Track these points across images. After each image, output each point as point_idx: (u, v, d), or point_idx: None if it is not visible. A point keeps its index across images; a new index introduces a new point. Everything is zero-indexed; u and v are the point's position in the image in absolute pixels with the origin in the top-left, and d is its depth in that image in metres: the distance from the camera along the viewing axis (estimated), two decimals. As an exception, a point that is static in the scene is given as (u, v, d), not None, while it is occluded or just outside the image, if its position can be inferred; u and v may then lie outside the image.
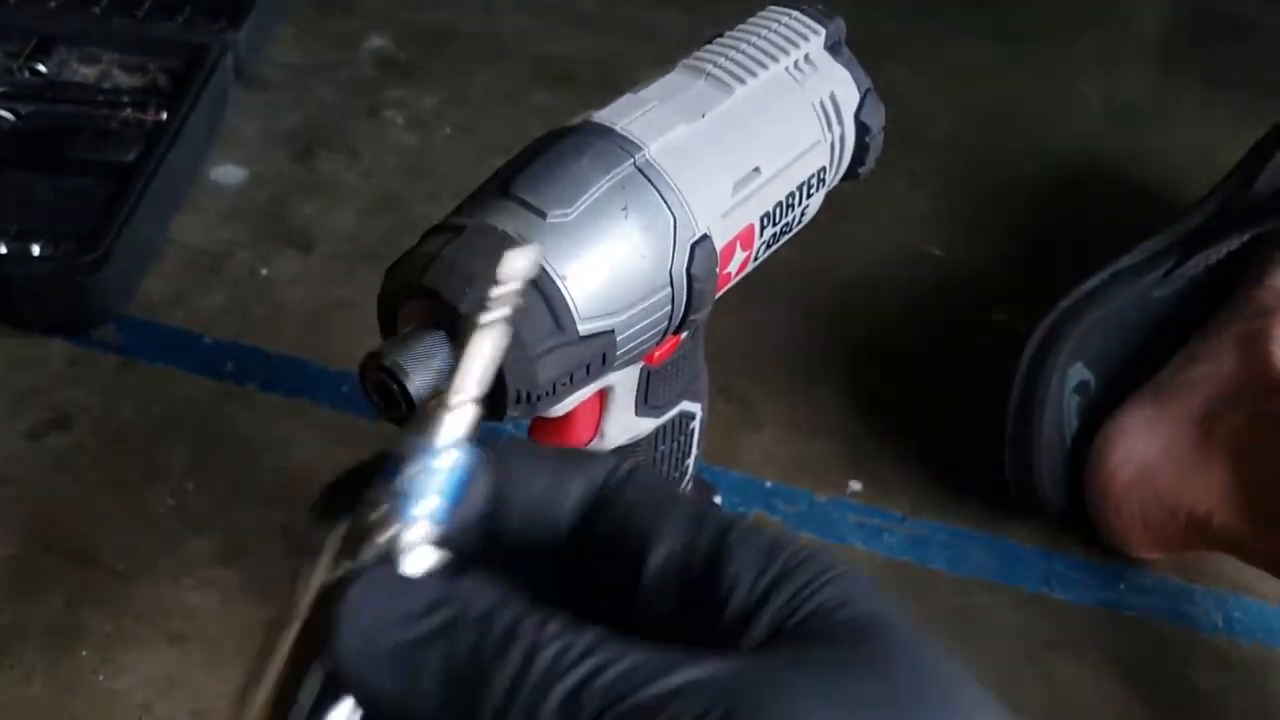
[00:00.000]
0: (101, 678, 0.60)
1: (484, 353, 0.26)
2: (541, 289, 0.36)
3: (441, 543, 0.25)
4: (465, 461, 0.25)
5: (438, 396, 0.26)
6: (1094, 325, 0.71)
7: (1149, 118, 1.07)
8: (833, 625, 0.24)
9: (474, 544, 0.26)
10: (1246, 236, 0.72)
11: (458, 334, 0.36)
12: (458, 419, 0.25)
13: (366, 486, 0.25)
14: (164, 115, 0.86)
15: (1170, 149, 1.01)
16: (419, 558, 0.25)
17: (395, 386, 0.35)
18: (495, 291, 0.26)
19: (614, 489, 0.27)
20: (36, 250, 0.76)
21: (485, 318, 0.26)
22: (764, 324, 0.83)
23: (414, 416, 0.26)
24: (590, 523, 0.27)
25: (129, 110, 0.86)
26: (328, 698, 0.24)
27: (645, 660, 0.22)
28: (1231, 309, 0.71)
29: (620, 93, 0.43)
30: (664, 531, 0.25)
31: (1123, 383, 0.71)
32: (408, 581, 0.24)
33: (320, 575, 0.25)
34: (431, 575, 0.24)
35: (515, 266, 0.27)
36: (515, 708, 0.22)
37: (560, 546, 0.27)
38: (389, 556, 0.24)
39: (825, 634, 0.24)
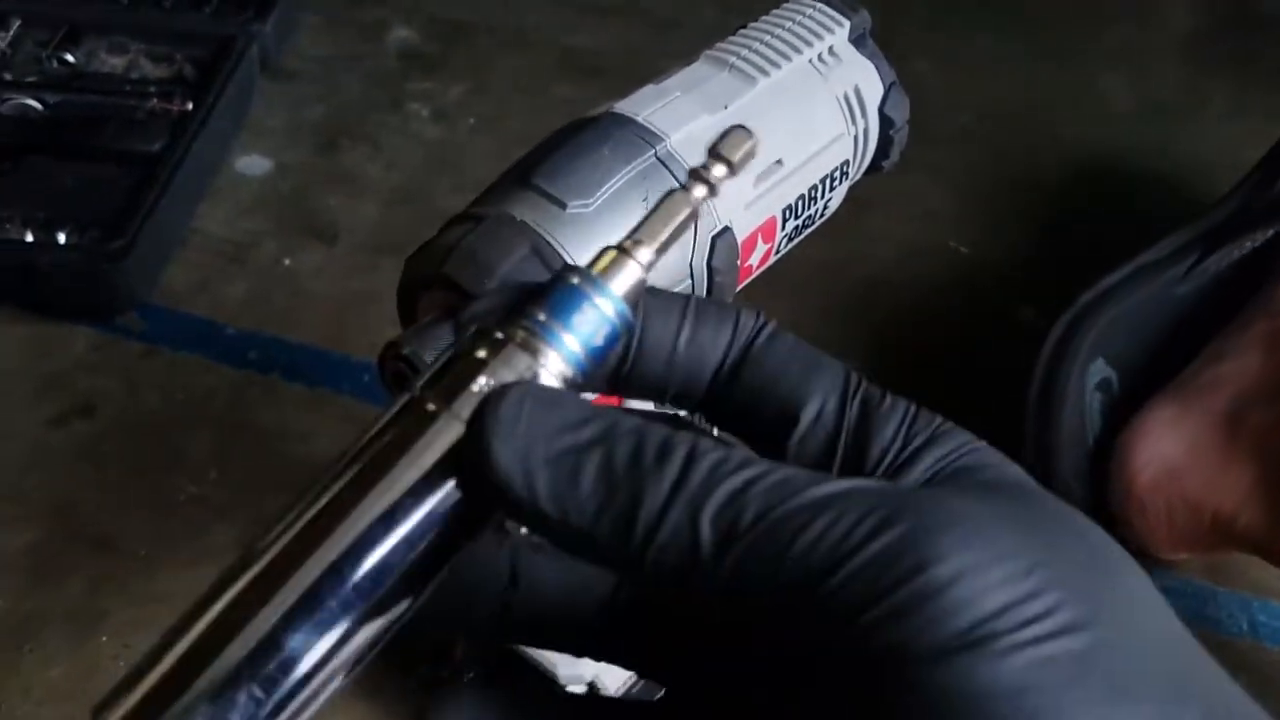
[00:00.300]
0: (122, 663, 0.60)
1: (674, 217, 0.25)
2: (561, 280, 0.36)
3: (571, 387, 0.25)
4: (621, 317, 0.25)
5: (624, 241, 0.25)
6: (1114, 321, 0.70)
7: (1177, 114, 1.05)
8: (983, 480, 0.24)
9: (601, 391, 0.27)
10: (1270, 232, 0.72)
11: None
12: (632, 270, 0.25)
13: (524, 300, 0.25)
14: (190, 105, 0.86)
15: (1199, 146, 0.99)
16: (546, 382, 0.24)
17: (414, 376, 0.35)
18: (713, 171, 0.26)
19: (760, 348, 0.27)
20: (63, 238, 0.76)
21: (695, 186, 0.26)
22: (786, 319, 0.81)
23: (603, 253, 0.25)
24: (732, 381, 0.26)
25: (155, 100, 0.87)
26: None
27: (803, 473, 0.22)
28: (1256, 306, 0.70)
29: (645, 84, 0.43)
30: (814, 392, 0.26)
31: (1146, 381, 0.71)
32: (564, 394, 0.24)
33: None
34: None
35: (736, 146, 0.26)
36: (676, 508, 0.22)
37: (696, 403, 0.27)
38: (521, 375, 0.24)
39: (978, 484, 0.24)
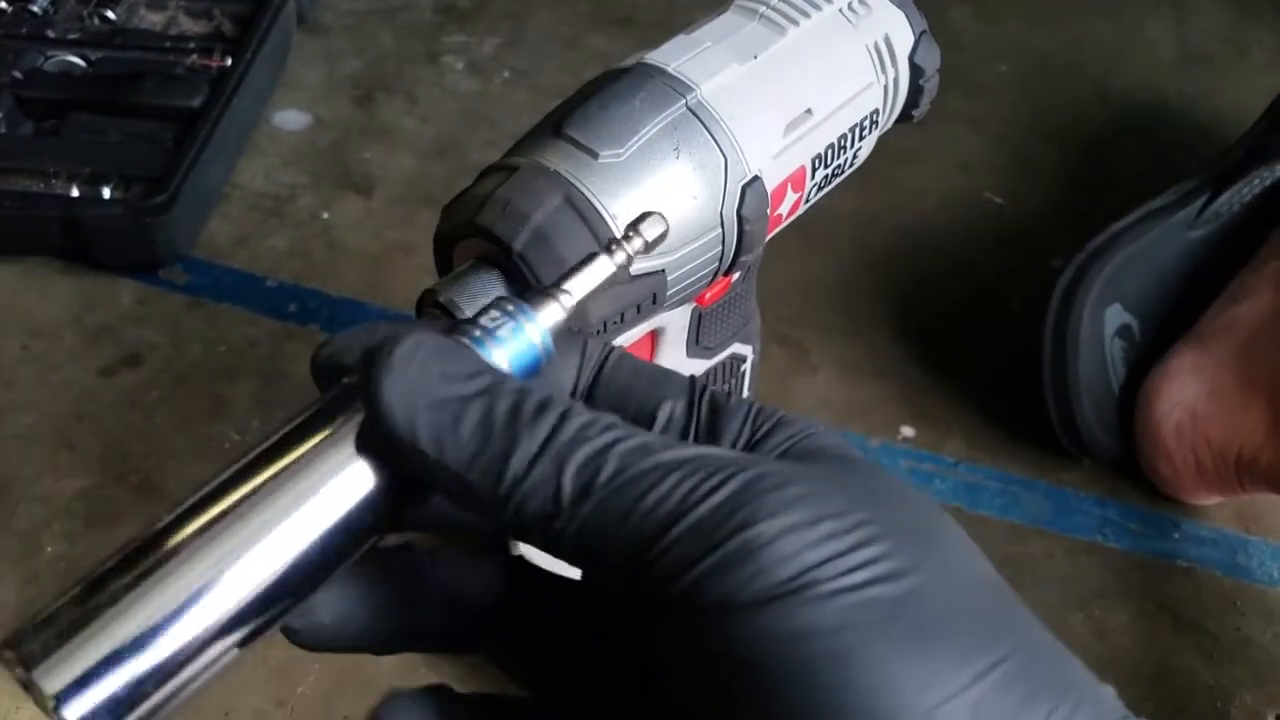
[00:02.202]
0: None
1: (597, 276, 0.28)
2: (592, 228, 0.37)
3: None
4: (545, 347, 0.27)
5: (555, 284, 0.28)
6: (1126, 263, 0.70)
7: (1221, 63, 1.04)
8: (821, 453, 0.26)
9: None
10: (1279, 171, 0.72)
11: (510, 271, 0.37)
12: (556, 311, 0.27)
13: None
14: (229, 61, 0.87)
15: (1243, 95, 0.98)
16: None
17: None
18: (632, 244, 0.29)
19: (610, 369, 0.29)
20: (107, 193, 0.78)
21: (616, 252, 0.29)
22: (821, 269, 0.83)
23: (530, 290, 0.28)
24: (588, 403, 0.28)
25: (195, 56, 0.88)
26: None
27: (660, 439, 0.24)
28: (1270, 246, 0.70)
29: (676, 35, 0.43)
30: (666, 398, 0.28)
31: (1168, 328, 0.71)
32: (454, 345, 0.26)
33: None
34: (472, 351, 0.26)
35: (654, 227, 0.30)
36: (543, 459, 0.24)
37: None
38: None
39: (816, 456, 0.26)
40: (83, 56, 0.88)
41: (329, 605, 0.27)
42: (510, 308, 0.27)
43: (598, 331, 0.38)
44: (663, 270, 0.39)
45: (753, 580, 0.22)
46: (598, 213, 0.37)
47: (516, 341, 0.27)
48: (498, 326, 0.26)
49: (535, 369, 0.27)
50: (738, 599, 0.22)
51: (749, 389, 0.55)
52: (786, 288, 0.80)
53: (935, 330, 0.79)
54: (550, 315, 0.27)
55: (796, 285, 0.81)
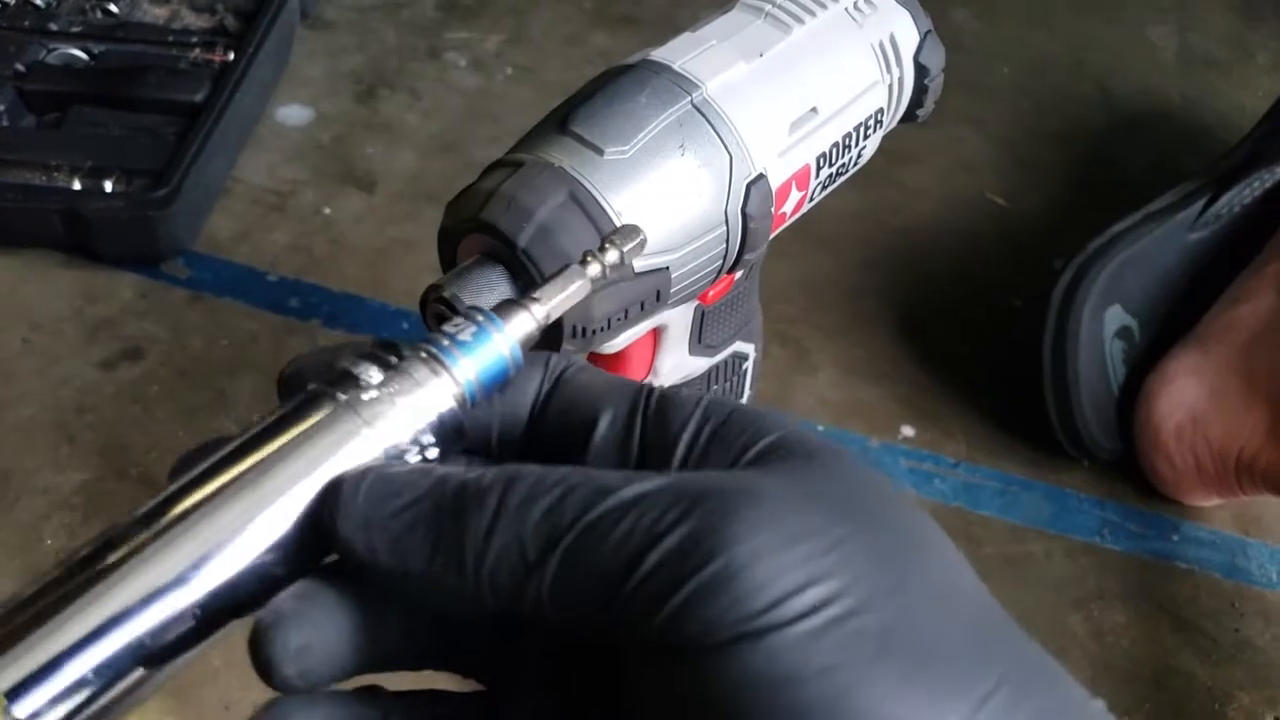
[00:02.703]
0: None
1: (569, 286, 0.28)
2: (597, 224, 0.37)
3: (461, 408, 0.27)
4: (514, 357, 0.27)
5: (524, 297, 0.28)
6: (1125, 265, 0.71)
7: (1224, 66, 1.04)
8: (789, 455, 0.25)
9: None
10: (1279, 173, 0.72)
11: (515, 266, 0.37)
12: (526, 322, 0.27)
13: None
14: (231, 55, 0.87)
15: (1244, 98, 0.98)
16: (439, 395, 0.26)
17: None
18: (607, 256, 0.29)
19: (567, 379, 0.28)
20: (109, 186, 0.78)
21: (590, 264, 0.29)
22: (822, 269, 0.83)
23: (507, 301, 0.28)
24: (544, 413, 0.28)
25: (197, 51, 0.88)
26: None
27: (617, 475, 0.24)
28: (1270, 248, 0.70)
29: (681, 33, 0.43)
30: (609, 404, 0.27)
31: (1168, 330, 0.71)
32: (400, 467, 0.26)
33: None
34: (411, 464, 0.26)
35: (629, 239, 0.30)
36: (499, 530, 0.23)
37: (517, 440, 0.29)
38: (419, 383, 0.26)
39: (784, 459, 0.25)
40: (85, 50, 0.88)
41: (311, 639, 0.26)
42: (480, 318, 0.27)
43: (602, 329, 0.38)
44: (667, 267, 0.39)
45: (729, 611, 0.21)
46: (602, 209, 0.37)
47: (485, 352, 0.27)
48: (465, 337, 0.27)
49: (503, 379, 0.27)
50: (716, 635, 0.21)
51: (750, 388, 0.55)
52: (787, 287, 0.80)
53: (936, 330, 0.79)
54: (520, 326, 0.27)
55: (797, 285, 0.81)
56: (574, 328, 0.38)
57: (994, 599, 0.24)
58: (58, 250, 0.79)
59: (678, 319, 0.46)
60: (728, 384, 0.53)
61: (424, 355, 0.26)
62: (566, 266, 0.29)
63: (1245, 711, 0.62)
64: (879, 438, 0.72)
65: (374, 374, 0.26)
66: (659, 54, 0.41)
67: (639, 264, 0.38)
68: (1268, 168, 0.73)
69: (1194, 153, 0.93)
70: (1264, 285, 0.68)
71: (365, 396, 0.26)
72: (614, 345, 0.44)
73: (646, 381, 0.29)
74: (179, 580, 0.24)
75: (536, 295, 0.28)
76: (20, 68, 0.85)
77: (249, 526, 0.24)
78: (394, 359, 0.26)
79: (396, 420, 0.26)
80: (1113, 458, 0.70)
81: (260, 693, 0.25)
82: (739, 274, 0.45)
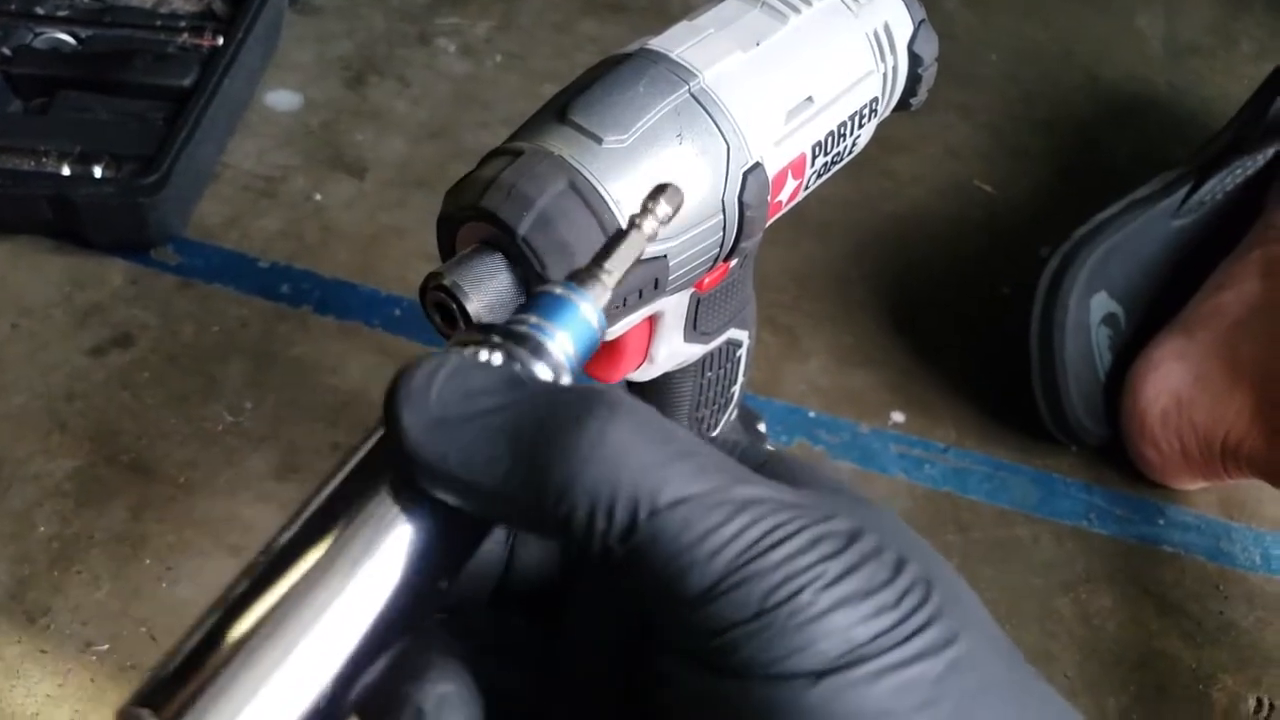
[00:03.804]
0: (165, 585, 0.62)
1: (634, 250, 0.27)
2: (596, 213, 0.37)
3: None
4: (600, 324, 0.26)
5: (595, 263, 0.27)
6: (1110, 252, 0.71)
7: (1210, 54, 1.05)
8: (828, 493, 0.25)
9: None
10: (1261, 158, 0.73)
11: (514, 255, 0.37)
12: (603, 292, 0.27)
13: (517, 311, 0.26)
14: (220, 40, 0.87)
15: (1231, 86, 0.99)
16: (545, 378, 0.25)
17: (454, 306, 0.36)
18: (659, 212, 0.28)
19: None
20: (98, 172, 0.78)
21: (644, 223, 0.28)
22: (812, 256, 0.83)
23: (578, 272, 0.27)
24: None
25: (186, 35, 0.87)
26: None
27: (729, 462, 0.23)
28: (1253, 234, 0.71)
29: (671, 22, 0.43)
30: None
31: (1153, 317, 0.72)
32: (471, 361, 0.24)
33: None
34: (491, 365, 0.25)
35: (674, 196, 0.28)
36: (594, 463, 0.22)
37: None
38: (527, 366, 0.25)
39: (833, 497, 0.25)
40: (72, 34, 0.87)
41: None
42: (559, 290, 0.26)
43: (600, 315, 0.39)
44: (665, 255, 0.39)
45: (797, 652, 0.21)
46: (601, 197, 0.37)
47: (576, 323, 0.26)
48: (555, 309, 0.26)
49: (594, 348, 0.26)
50: (777, 668, 0.21)
51: (744, 374, 0.56)
52: (778, 274, 0.81)
53: (925, 317, 0.80)
54: (600, 295, 0.27)
55: (788, 272, 0.81)
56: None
57: (1006, 636, 0.24)
58: (47, 236, 0.79)
59: (673, 306, 0.46)
60: (721, 370, 0.54)
61: (523, 334, 0.25)
62: (623, 232, 0.28)
63: (1229, 692, 0.62)
64: (869, 423, 0.73)
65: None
66: (656, 43, 0.41)
67: (637, 252, 0.38)
68: (1249, 155, 0.74)
69: (1181, 140, 0.94)
70: (1247, 271, 0.69)
71: None
72: (611, 333, 0.44)
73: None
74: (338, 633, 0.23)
75: (605, 265, 0.27)
76: (6, 52, 0.84)
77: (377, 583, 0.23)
78: (487, 351, 0.25)
79: None
80: (1099, 443, 0.71)
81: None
82: (734, 262, 0.46)
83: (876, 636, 0.21)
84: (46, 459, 0.67)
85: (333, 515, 0.24)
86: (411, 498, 0.24)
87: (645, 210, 0.28)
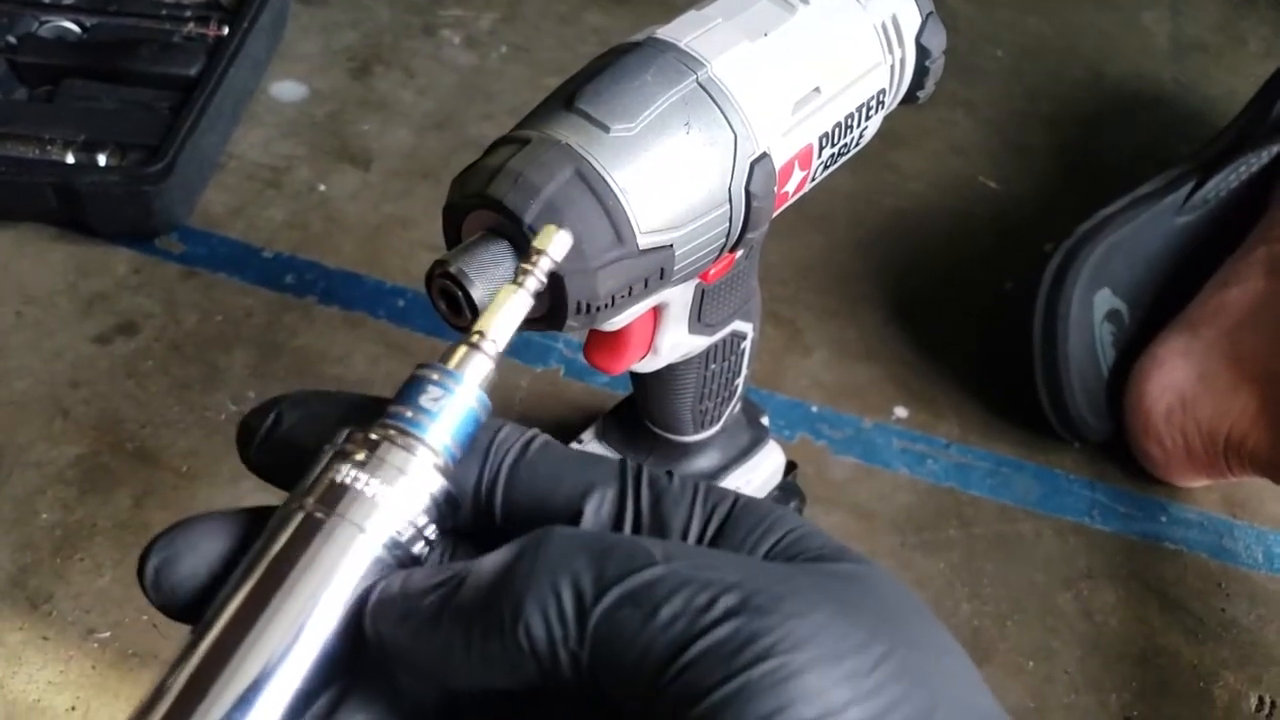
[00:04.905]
0: (167, 573, 0.62)
1: (515, 312, 0.27)
2: (603, 202, 0.37)
3: (443, 474, 0.26)
4: (481, 403, 0.26)
5: (471, 336, 0.27)
6: (1113, 248, 0.71)
7: (1216, 52, 1.05)
8: (818, 559, 0.25)
9: None
10: (1265, 156, 0.73)
11: (520, 243, 0.37)
12: (483, 364, 0.27)
13: (384, 404, 0.26)
14: (225, 30, 0.86)
15: (1236, 84, 0.99)
16: (423, 473, 0.26)
17: (460, 293, 0.36)
18: (540, 267, 0.28)
19: (535, 452, 0.27)
20: (103, 160, 0.78)
21: (526, 279, 0.28)
22: (816, 250, 0.83)
23: (455, 344, 0.27)
24: (511, 485, 0.27)
25: (191, 25, 0.87)
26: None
27: (660, 543, 0.23)
28: (1258, 232, 0.71)
29: (675, 13, 0.43)
30: (594, 482, 0.26)
31: (1157, 314, 0.72)
32: (413, 572, 0.25)
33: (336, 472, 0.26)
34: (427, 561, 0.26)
35: (555, 242, 0.28)
36: (536, 578, 0.23)
37: (469, 514, 0.28)
38: (400, 469, 0.25)
39: (815, 564, 0.24)
40: (78, 22, 0.88)
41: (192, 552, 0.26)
42: (435, 376, 0.26)
43: (606, 305, 0.38)
44: (671, 245, 0.39)
45: (776, 716, 0.21)
46: (608, 186, 0.37)
47: (452, 411, 0.26)
48: (429, 404, 0.26)
49: (476, 428, 0.27)
50: None
51: (747, 366, 0.56)
52: (781, 267, 0.81)
53: (929, 312, 0.80)
54: (478, 370, 0.26)
55: (791, 265, 0.81)
56: (578, 304, 0.38)
57: (1005, 714, 0.24)
58: (51, 224, 0.79)
59: (678, 297, 0.46)
60: (726, 363, 0.53)
61: (394, 435, 0.26)
62: (503, 291, 0.28)
63: (1230, 690, 0.62)
64: (872, 418, 0.73)
65: (352, 473, 0.25)
66: (664, 32, 0.41)
67: (644, 241, 0.38)
68: (1253, 152, 0.74)
69: (1185, 137, 0.94)
70: (1252, 269, 0.69)
71: (351, 501, 0.25)
72: (615, 323, 0.44)
73: (621, 458, 0.28)
74: None
75: (481, 329, 0.27)
76: (11, 40, 0.84)
77: (281, 667, 0.24)
78: (365, 453, 0.25)
79: (389, 513, 0.25)
80: (1102, 439, 0.71)
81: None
82: (740, 253, 0.46)
83: (852, 702, 0.21)
84: (50, 446, 0.67)
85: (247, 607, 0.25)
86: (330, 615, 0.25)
87: (526, 269, 0.28)
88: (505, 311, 0.27)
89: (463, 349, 0.27)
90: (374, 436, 0.26)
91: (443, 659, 0.24)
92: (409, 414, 0.26)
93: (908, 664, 0.22)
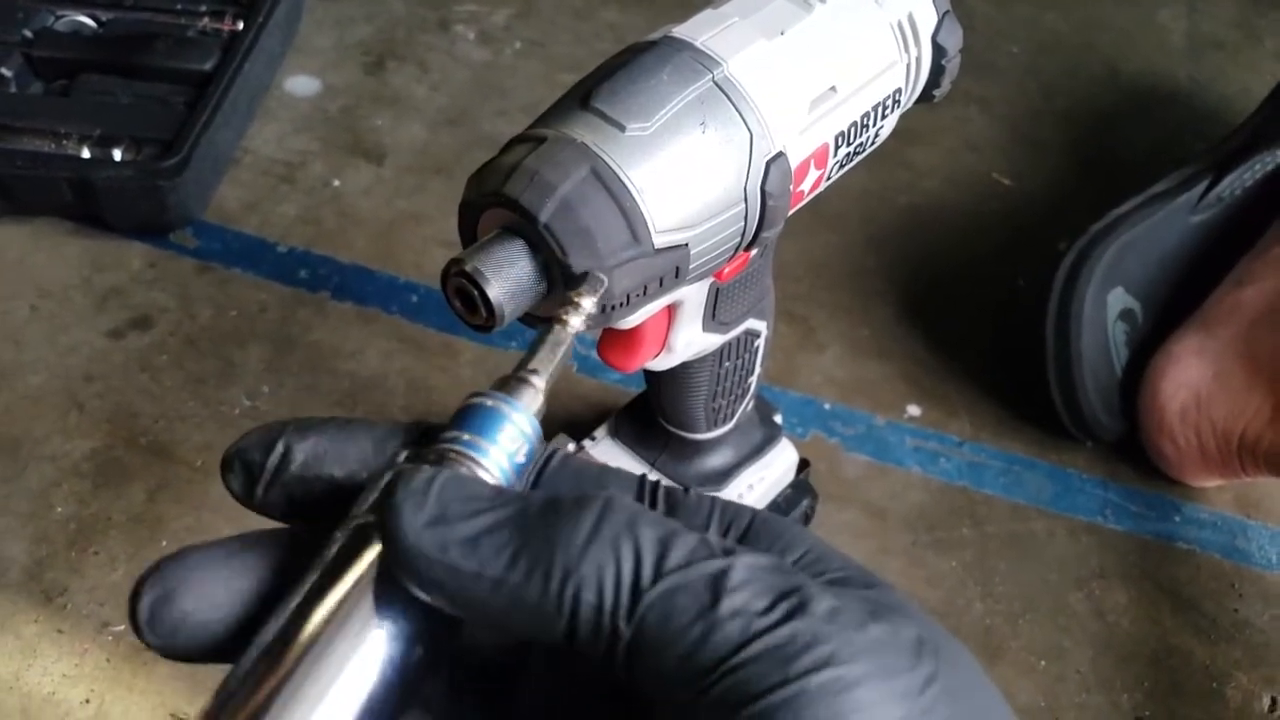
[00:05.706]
0: (182, 566, 0.62)
1: (559, 347, 0.28)
2: (619, 201, 0.37)
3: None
4: (536, 433, 0.26)
5: (520, 371, 0.27)
6: (1126, 247, 0.71)
7: (1232, 49, 1.04)
8: (835, 570, 0.24)
9: None
10: None
11: (535, 241, 0.37)
12: (535, 397, 0.27)
13: (439, 430, 0.26)
14: (240, 25, 0.87)
15: (1252, 82, 0.98)
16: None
17: (475, 292, 0.36)
18: (584, 306, 0.30)
19: (554, 469, 0.27)
20: (118, 154, 0.78)
21: (571, 318, 0.29)
22: (829, 247, 0.83)
23: (506, 379, 0.27)
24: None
25: (206, 19, 0.87)
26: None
27: (715, 537, 0.23)
28: (1273, 231, 0.71)
29: (692, 11, 0.43)
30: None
31: (1170, 313, 0.72)
32: (468, 474, 0.25)
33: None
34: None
35: (595, 287, 0.30)
36: (598, 543, 0.22)
37: None
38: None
39: (835, 578, 0.24)
40: (93, 17, 0.88)
41: (197, 594, 0.25)
42: (490, 403, 0.26)
43: (621, 304, 0.39)
44: (686, 244, 0.39)
45: None
46: (624, 185, 0.37)
47: (509, 438, 0.26)
48: (488, 430, 0.26)
49: (533, 456, 0.26)
50: None
51: (760, 365, 0.56)
52: (794, 264, 0.81)
53: (942, 310, 0.79)
54: (531, 402, 0.26)
55: (805, 262, 0.81)
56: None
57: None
58: (66, 218, 0.79)
59: (693, 295, 0.46)
60: (739, 360, 0.53)
61: (455, 458, 0.25)
62: (547, 330, 0.28)
63: (1243, 690, 0.62)
64: (885, 416, 0.73)
65: None
66: (680, 30, 0.41)
67: (659, 240, 0.38)
68: (1268, 150, 0.73)
69: (1200, 135, 0.93)
70: (1268, 268, 0.69)
71: None
72: (630, 321, 0.44)
73: (641, 473, 0.28)
74: None
75: (534, 367, 0.27)
76: (28, 34, 0.85)
77: (375, 682, 0.23)
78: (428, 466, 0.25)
79: None
80: (1115, 439, 0.71)
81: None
82: (755, 251, 0.46)
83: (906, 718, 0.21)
84: (64, 440, 0.67)
85: (311, 621, 0.24)
86: (393, 609, 0.24)
87: (569, 306, 0.29)
88: (548, 350, 0.28)
89: (515, 382, 0.27)
90: (431, 458, 0.25)
91: (461, 582, 0.23)
92: (466, 437, 0.26)
93: (953, 687, 0.22)
